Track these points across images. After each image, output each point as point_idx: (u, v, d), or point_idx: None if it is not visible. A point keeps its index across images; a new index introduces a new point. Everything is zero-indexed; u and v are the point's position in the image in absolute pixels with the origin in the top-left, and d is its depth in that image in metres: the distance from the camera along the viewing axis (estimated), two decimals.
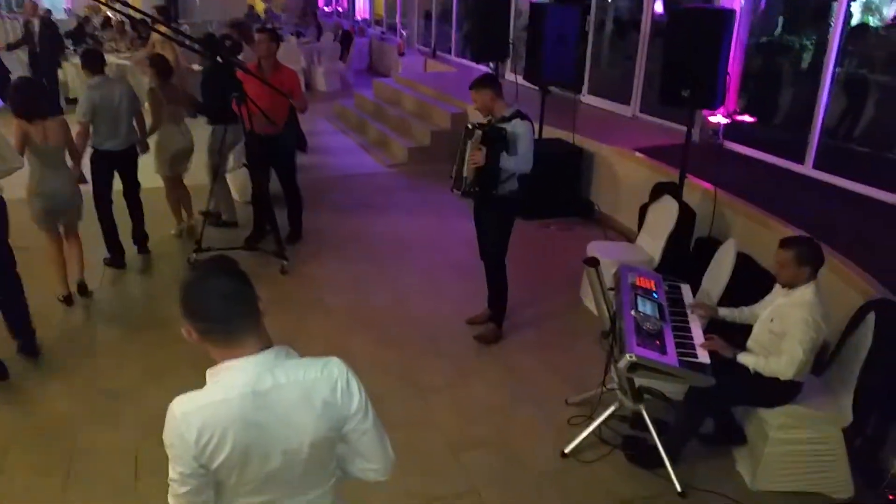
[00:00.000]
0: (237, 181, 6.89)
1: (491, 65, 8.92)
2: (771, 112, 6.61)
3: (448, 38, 13.40)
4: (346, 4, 19.26)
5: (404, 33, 15.13)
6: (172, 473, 1.59)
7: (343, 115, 11.14)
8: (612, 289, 3.52)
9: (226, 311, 1.55)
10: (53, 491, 3.25)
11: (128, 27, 12.52)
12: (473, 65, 11.57)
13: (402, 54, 13.74)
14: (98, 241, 5.58)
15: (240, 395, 1.56)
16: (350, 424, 1.66)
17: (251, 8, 16.28)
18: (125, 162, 5.53)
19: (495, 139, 4.14)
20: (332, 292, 5.32)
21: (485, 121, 4.32)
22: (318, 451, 1.66)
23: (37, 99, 4.65)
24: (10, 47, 10.74)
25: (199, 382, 1.61)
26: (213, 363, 1.61)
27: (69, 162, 4.91)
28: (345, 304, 5.13)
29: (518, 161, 4.15)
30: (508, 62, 9.62)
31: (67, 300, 5.00)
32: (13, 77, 10.69)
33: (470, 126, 4.29)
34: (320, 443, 1.64)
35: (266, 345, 1.62)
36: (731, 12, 4.87)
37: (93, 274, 5.36)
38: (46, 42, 10.60)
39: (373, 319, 4.90)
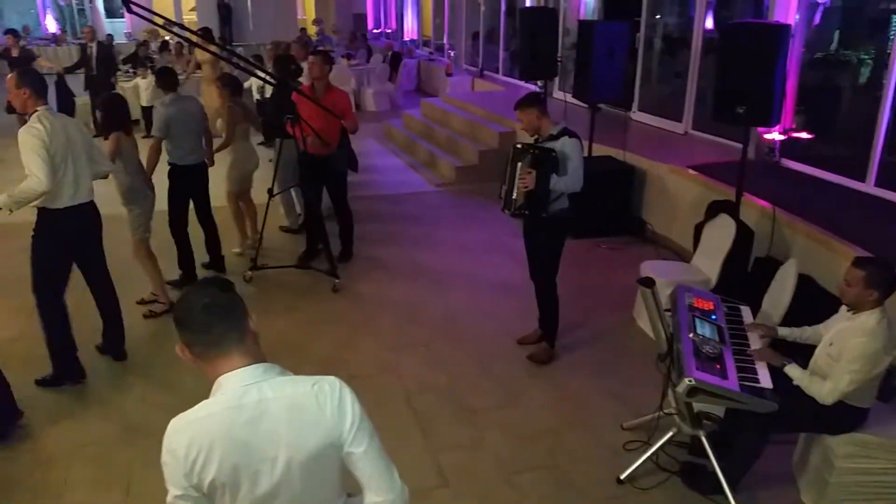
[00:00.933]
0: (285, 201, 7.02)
1: (539, 83, 8.93)
2: (829, 128, 6.43)
3: (495, 58, 13.46)
4: (394, 26, 19.54)
5: (452, 53, 15.25)
6: (168, 497, 1.58)
7: (392, 134, 11.27)
8: (668, 310, 3.45)
9: (207, 322, 1.57)
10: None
11: (185, 50, 12.93)
12: (521, 83, 11.62)
13: (449, 74, 13.86)
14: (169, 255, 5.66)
15: (224, 409, 1.56)
16: (346, 446, 1.62)
17: (303, 30, 16.62)
18: (199, 178, 5.65)
19: (545, 161, 4.10)
20: (381, 311, 5.34)
21: (532, 140, 4.30)
22: (312, 471, 1.61)
23: (121, 113, 4.91)
24: (69, 70, 11.19)
25: None
26: None
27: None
28: (394, 323, 5.15)
29: (568, 181, 4.10)
30: (556, 80, 9.60)
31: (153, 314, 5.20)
32: (77, 99, 11.19)
33: (519, 147, 4.26)
34: (312, 462, 1.60)
35: (255, 361, 1.62)
36: (786, 27, 4.78)
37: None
38: (101, 65, 11.02)
39: (422, 339, 4.89)
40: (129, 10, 4.73)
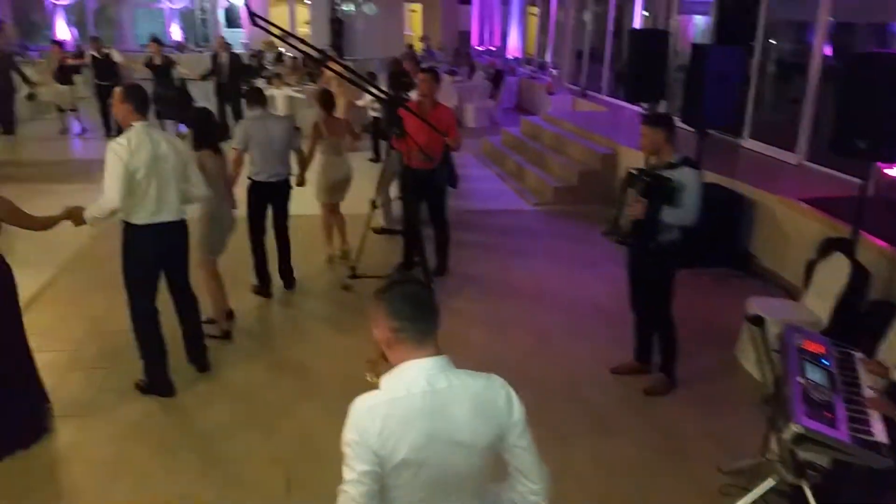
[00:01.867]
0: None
1: (645, 105, 8.76)
2: None
3: (599, 77, 13.32)
4: (498, 43, 19.68)
5: (554, 72, 15.20)
6: (349, 475, 1.71)
7: (490, 151, 11.33)
8: (776, 350, 3.30)
9: (421, 313, 1.79)
10: (209, 496, 3.47)
11: (300, 62, 13.48)
12: (625, 104, 11.43)
13: (551, 93, 13.81)
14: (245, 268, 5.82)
15: (420, 392, 1.75)
16: (511, 437, 1.83)
17: (410, 46, 17.03)
18: (277, 194, 5.69)
19: (659, 191, 3.96)
20: (473, 327, 5.37)
21: (649, 164, 4.17)
22: (484, 458, 1.81)
23: (214, 130, 4.98)
24: (203, 78, 11.89)
25: (345, 404, 1.78)
26: (359, 385, 1.80)
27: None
28: (485, 340, 5.16)
29: (682, 214, 3.95)
30: (663, 103, 9.38)
31: (227, 336, 5.11)
32: (195, 105, 11.86)
33: (634, 172, 4.16)
34: (486, 451, 1.80)
35: (439, 353, 1.82)
36: None
37: (245, 298, 5.67)
38: (233, 73, 11.65)
39: (512, 359, 4.88)
40: (255, 24, 4.98)
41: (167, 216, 4.09)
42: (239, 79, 11.78)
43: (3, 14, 18.19)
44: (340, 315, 5.62)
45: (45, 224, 3.85)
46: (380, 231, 6.91)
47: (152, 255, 4.14)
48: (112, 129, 11.61)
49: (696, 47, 6.83)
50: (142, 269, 4.15)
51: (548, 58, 16.46)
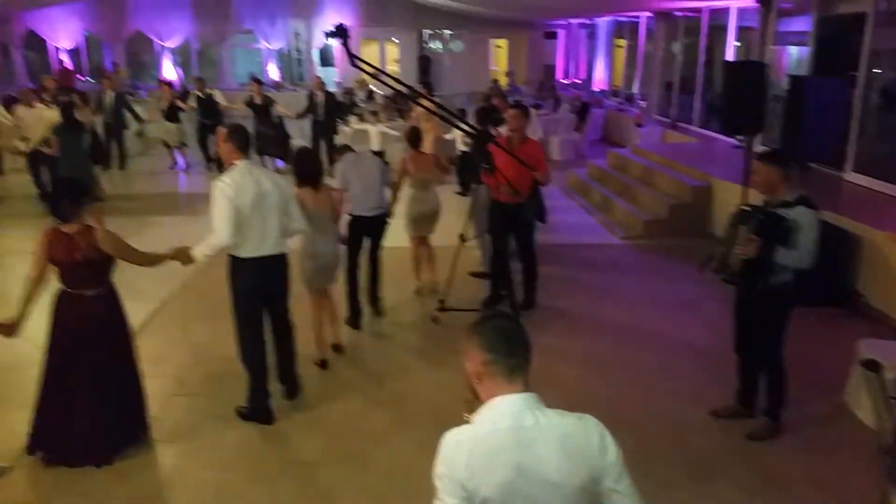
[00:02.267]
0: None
1: (740, 138, 8.53)
2: None
3: (689, 109, 13.06)
4: (583, 76, 19.65)
5: (643, 104, 15.02)
6: None
7: (576, 184, 11.26)
8: (893, 398, 3.11)
9: (514, 349, 1.81)
10: None
11: (390, 100, 13.86)
12: (717, 136, 11.17)
13: (639, 125, 13.63)
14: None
15: (508, 428, 1.75)
16: (607, 481, 1.77)
17: (495, 81, 17.23)
18: (374, 227, 5.93)
19: (773, 230, 3.79)
20: (562, 364, 5.29)
21: (762, 202, 4.00)
22: (575, 501, 1.75)
23: (313, 168, 5.13)
24: (299, 116, 12.40)
25: (437, 436, 1.81)
26: (451, 418, 1.82)
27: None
28: (575, 377, 5.07)
29: (796, 256, 3.77)
30: (759, 136, 9.10)
31: (323, 365, 5.22)
32: (292, 142, 12.37)
33: (747, 209, 4.01)
34: (578, 493, 1.74)
35: (528, 389, 1.82)
36: None
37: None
38: (329, 111, 12.11)
39: (604, 397, 4.77)
40: (354, 66, 5.20)
41: (269, 250, 4.26)
42: (334, 117, 12.21)
43: (118, 56, 19.62)
44: (431, 347, 5.67)
45: (152, 261, 4.09)
46: (478, 275, 6.94)
47: (256, 286, 4.32)
48: (212, 165, 12.26)
49: (795, 79, 6.65)
50: (247, 300, 4.34)
51: (635, 89, 16.29)
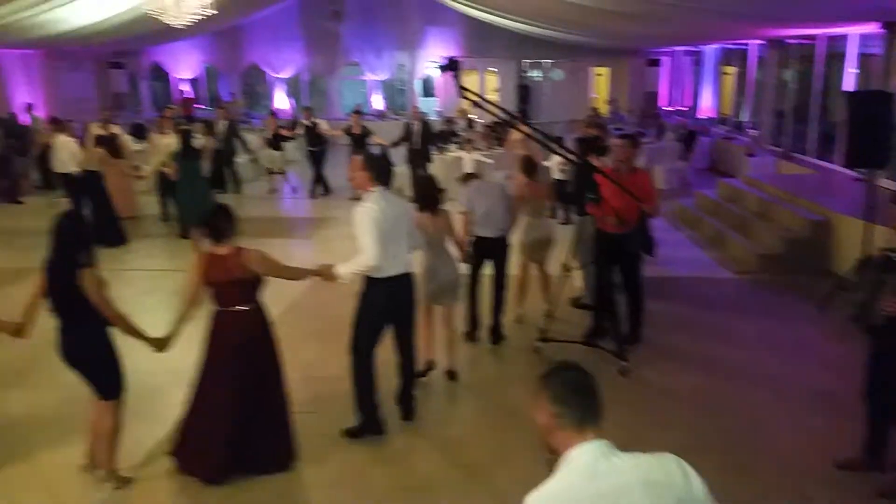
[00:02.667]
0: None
1: (863, 171, 8.05)
2: None
3: (804, 138, 12.44)
4: (688, 103, 19.14)
5: (753, 133, 14.45)
6: None
7: (682, 213, 10.91)
8: None
9: (584, 402, 1.85)
10: None
11: (489, 129, 13.98)
12: (836, 168, 10.58)
13: (750, 154, 13.10)
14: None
15: (582, 480, 1.76)
16: None
17: (594, 109, 17.05)
18: (496, 248, 6.08)
19: None
20: (670, 403, 5.09)
21: None
22: None
23: (433, 195, 5.38)
24: (394, 145, 12.69)
25: (542, 468, 1.86)
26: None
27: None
28: (684, 418, 4.86)
29: None
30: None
31: (426, 372, 5.45)
32: (395, 170, 12.64)
33: (894, 257, 3.74)
34: None
35: (600, 436, 1.84)
36: None
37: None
38: (423, 140, 12.35)
39: (717, 440, 4.55)
40: (463, 97, 5.27)
41: (401, 269, 4.51)
42: (428, 146, 12.42)
43: (234, 87, 20.81)
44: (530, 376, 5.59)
45: (299, 276, 4.36)
46: (581, 306, 6.83)
47: (388, 305, 4.54)
48: (317, 191, 12.70)
49: None
50: (377, 318, 4.56)
51: (744, 118, 15.70)
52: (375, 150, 12.32)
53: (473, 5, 14.14)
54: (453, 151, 12.17)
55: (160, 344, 4.06)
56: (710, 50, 17.45)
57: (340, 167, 12.59)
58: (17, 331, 4.01)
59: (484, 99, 5.55)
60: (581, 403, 1.84)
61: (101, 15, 12.97)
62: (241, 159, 13.82)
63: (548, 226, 6.62)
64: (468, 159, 11.65)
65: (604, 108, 18.79)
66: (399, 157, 12.97)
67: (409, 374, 4.85)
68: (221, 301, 4.04)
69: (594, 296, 6.26)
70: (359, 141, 12.23)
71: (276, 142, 12.94)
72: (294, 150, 14.41)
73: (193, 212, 8.22)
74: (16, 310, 3.99)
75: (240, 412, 4.06)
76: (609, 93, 20.70)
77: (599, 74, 21.59)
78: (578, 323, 6.38)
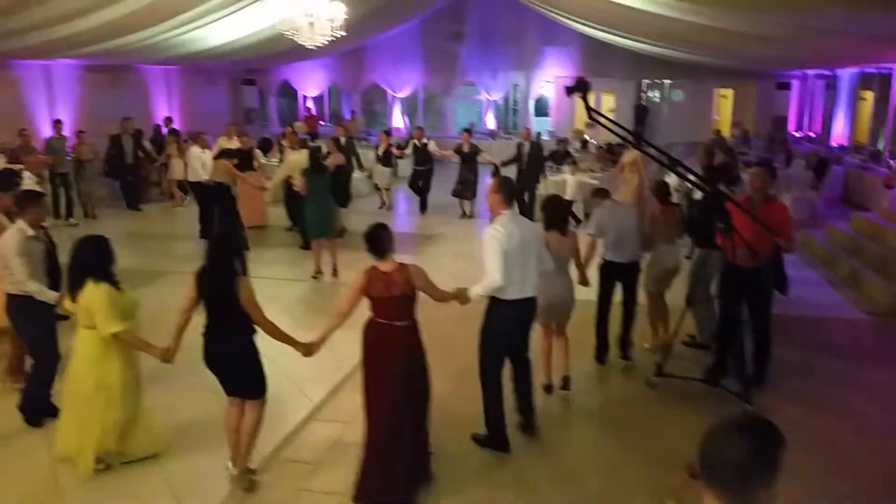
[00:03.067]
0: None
1: None
2: None
3: None
4: (819, 129, 18.04)
5: (893, 163, 13.42)
6: None
7: (811, 247, 10.26)
8: None
9: (742, 480, 1.59)
10: None
11: (603, 150, 13.75)
12: None
13: (889, 186, 12.15)
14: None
15: None
16: None
17: (717, 132, 16.37)
18: (627, 274, 6.03)
19: None
20: (800, 453, 4.68)
21: None
22: None
23: (562, 215, 5.49)
24: (505, 164, 12.69)
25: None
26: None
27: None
28: (816, 470, 4.50)
29: None
30: None
31: (547, 389, 5.58)
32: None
33: None
34: None
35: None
36: None
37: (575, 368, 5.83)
38: (533, 161, 12.28)
39: (854, 498, 4.19)
40: (591, 118, 5.17)
41: (528, 292, 4.58)
42: (538, 166, 12.33)
43: (355, 105, 21.57)
44: (644, 414, 5.42)
45: (444, 297, 4.43)
46: (693, 345, 6.54)
47: (512, 327, 4.64)
48: (426, 208, 12.85)
49: None
50: (502, 338, 4.65)
51: (882, 146, 14.62)
52: (500, 172, 12.43)
53: (595, 25, 13.96)
54: (567, 173, 12.02)
55: (309, 349, 4.25)
56: (847, 73, 16.41)
57: (447, 186, 12.87)
58: (166, 355, 4.28)
59: (612, 121, 5.43)
60: (744, 485, 1.63)
61: (237, 34, 13.81)
62: (356, 175, 14.28)
63: (678, 255, 6.41)
64: (572, 181, 11.49)
65: (726, 132, 18.03)
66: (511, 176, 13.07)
67: (527, 386, 4.92)
68: (384, 315, 4.14)
69: (718, 331, 5.95)
70: (468, 160, 12.32)
71: (387, 159, 13.24)
72: (404, 167, 14.73)
73: (319, 225, 8.50)
74: (148, 308, 4.25)
75: (411, 428, 4.15)
76: (732, 116, 19.85)
77: (723, 96, 20.77)
78: (695, 359, 6.11)
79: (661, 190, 6.36)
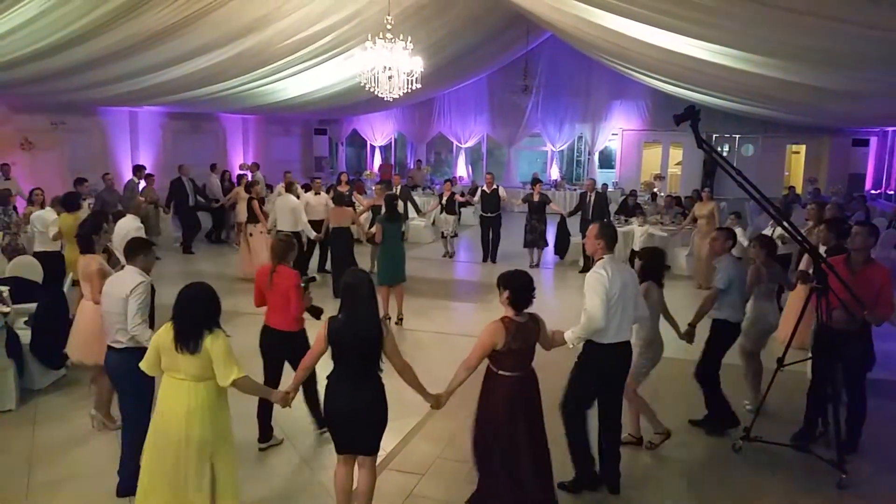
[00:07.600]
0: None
1: None
2: None
3: None
4: None
5: None
6: None
7: None
8: None
9: None
10: None
11: (672, 201, 13.57)
12: None
13: None
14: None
15: None
16: None
17: (791, 188, 15.97)
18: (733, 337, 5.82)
19: None
20: None
21: None
22: None
23: (661, 266, 5.45)
24: (570, 214, 12.68)
25: None
26: None
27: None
28: None
29: None
30: None
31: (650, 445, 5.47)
32: (571, 239, 12.60)
33: None
34: None
35: None
36: None
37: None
38: (597, 211, 12.31)
39: None
40: (700, 147, 5.03)
41: (623, 337, 4.59)
42: (603, 216, 12.29)
43: (421, 154, 21.96)
44: (727, 476, 5.19)
45: (551, 345, 4.38)
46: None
47: (607, 370, 4.61)
48: (489, 256, 12.81)
49: None
50: (595, 382, 4.65)
51: None
52: (567, 221, 12.44)
53: (669, 80, 13.93)
54: (632, 224, 11.93)
55: (438, 401, 4.17)
56: None
57: (510, 235, 12.84)
58: (285, 400, 4.11)
59: (724, 158, 5.36)
60: None
61: (315, 86, 14.29)
62: (419, 223, 14.47)
63: (772, 312, 6.12)
64: (638, 232, 11.37)
65: (799, 188, 17.58)
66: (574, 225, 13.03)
67: (613, 438, 4.81)
68: (520, 368, 4.13)
69: (809, 395, 5.66)
70: (537, 209, 12.35)
71: (451, 206, 13.35)
72: (467, 215, 14.81)
73: (393, 272, 8.59)
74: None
75: (539, 474, 4.16)
76: (804, 172, 19.37)
77: (795, 152, 20.34)
78: (792, 421, 5.80)
79: (766, 243, 6.06)
